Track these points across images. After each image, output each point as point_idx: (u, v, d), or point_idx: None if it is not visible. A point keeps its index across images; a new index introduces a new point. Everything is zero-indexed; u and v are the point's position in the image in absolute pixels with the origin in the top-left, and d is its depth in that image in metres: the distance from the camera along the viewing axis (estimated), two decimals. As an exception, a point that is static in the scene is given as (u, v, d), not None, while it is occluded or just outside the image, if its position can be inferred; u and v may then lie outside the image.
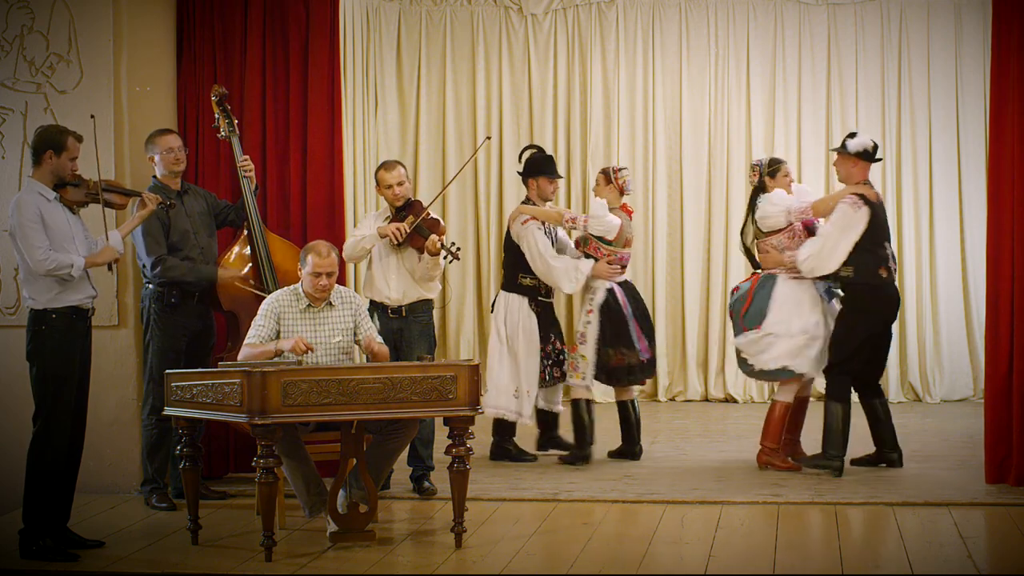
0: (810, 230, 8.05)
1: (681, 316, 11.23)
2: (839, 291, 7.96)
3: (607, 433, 8.58)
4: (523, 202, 8.47)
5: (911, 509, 6.97)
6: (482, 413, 6.32)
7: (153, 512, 7.21)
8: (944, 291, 11.00)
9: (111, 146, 7.49)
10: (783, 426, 7.98)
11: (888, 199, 10.98)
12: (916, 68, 10.99)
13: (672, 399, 11.20)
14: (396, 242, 7.43)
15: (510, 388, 8.26)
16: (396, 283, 7.52)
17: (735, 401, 11.02)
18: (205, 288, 7.39)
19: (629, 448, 8.37)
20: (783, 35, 11.11)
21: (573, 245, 8.41)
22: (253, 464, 6.20)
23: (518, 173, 8.54)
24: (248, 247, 7.58)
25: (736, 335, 8.11)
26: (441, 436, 6.69)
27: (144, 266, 7.32)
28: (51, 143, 6.31)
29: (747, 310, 7.98)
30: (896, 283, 8.01)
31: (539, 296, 8.37)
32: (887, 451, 8.01)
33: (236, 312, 7.49)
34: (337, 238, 7.74)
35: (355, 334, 6.84)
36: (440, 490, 7.38)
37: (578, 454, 8.25)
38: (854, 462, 7.98)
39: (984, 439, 7.49)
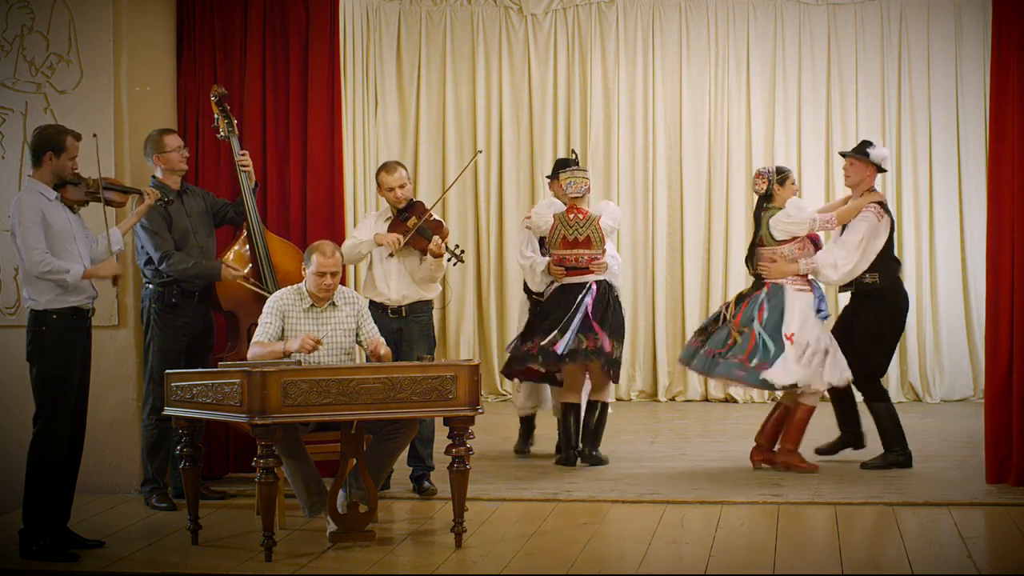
0: (815, 242, 8.07)
1: (681, 316, 11.23)
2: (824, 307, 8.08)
3: (611, 433, 8.57)
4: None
5: (911, 509, 6.97)
6: (482, 413, 6.31)
7: (153, 512, 7.21)
8: (944, 291, 11.00)
9: (111, 146, 7.49)
10: (805, 429, 7.98)
11: (888, 199, 10.96)
12: (916, 68, 10.99)
13: (672, 399, 11.20)
14: (390, 254, 7.43)
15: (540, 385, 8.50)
16: (396, 284, 7.52)
17: (735, 401, 11.02)
18: (205, 288, 7.39)
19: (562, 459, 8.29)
20: (783, 35, 11.11)
21: None
22: (253, 464, 6.20)
23: (547, 176, 8.66)
24: (248, 247, 7.58)
25: (727, 338, 7.96)
26: (441, 436, 6.69)
27: (146, 263, 7.31)
28: (50, 144, 6.31)
29: (763, 318, 7.93)
30: None
31: (533, 295, 8.42)
32: (894, 453, 8.07)
33: (236, 312, 7.49)
34: (337, 238, 7.73)
35: (357, 334, 6.84)
36: (440, 490, 7.38)
37: (563, 459, 8.27)
38: (865, 465, 8.02)
39: (984, 439, 7.49)
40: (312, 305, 6.75)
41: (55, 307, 6.26)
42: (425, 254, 7.46)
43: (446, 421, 6.33)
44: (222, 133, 7.64)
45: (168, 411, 6.53)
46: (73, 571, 6.10)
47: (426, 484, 7.51)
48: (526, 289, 8.55)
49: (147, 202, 6.80)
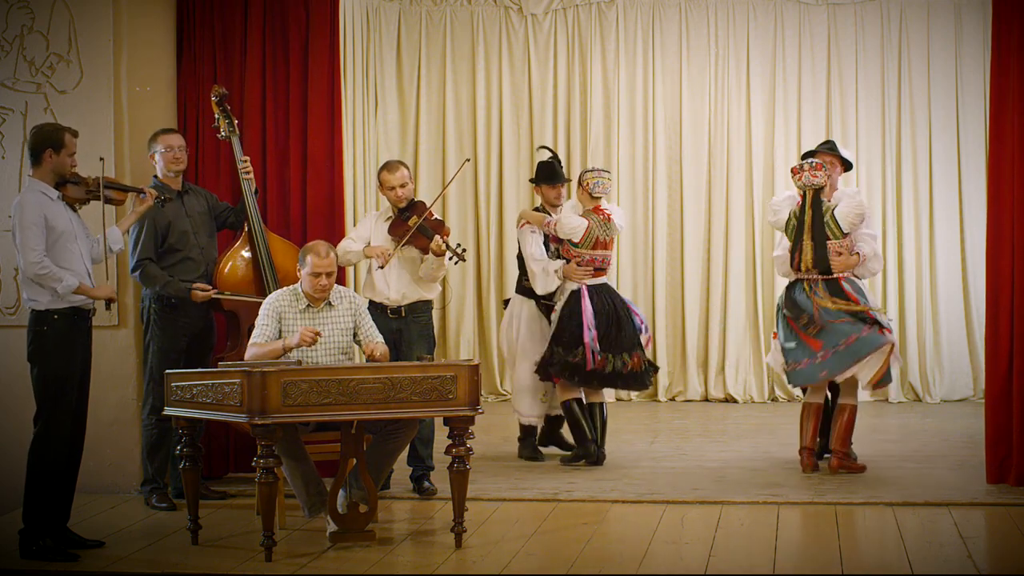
0: None
1: (681, 316, 11.23)
2: None
3: (611, 433, 8.57)
4: (535, 208, 8.61)
5: (911, 509, 6.97)
6: (482, 413, 6.31)
7: (153, 512, 7.21)
8: (944, 291, 11.00)
9: (111, 146, 7.50)
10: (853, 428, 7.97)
11: (888, 199, 11.00)
12: (916, 68, 10.99)
13: (672, 399, 11.20)
14: (379, 266, 7.43)
15: (533, 391, 8.41)
16: (396, 284, 7.52)
17: (735, 401, 11.02)
18: (195, 301, 7.39)
19: (582, 450, 8.27)
20: (783, 35, 11.11)
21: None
22: (253, 464, 6.20)
23: (530, 180, 8.60)
24: (248, 247, 7.58)
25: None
26: (441, 436, 6.68)
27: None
28: (49, 141, 6.31)
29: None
30: None
31: (541, 298, 8.40)
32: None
33: (236, 312, 7.49)
34: (337, 238, 7.73)
35: (355, 334, 6.84)
36: (440, 490, 7.38)
37: (580, 452, 8.24)
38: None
39: (984, 439, 7.49)
40: (308, 306, 6.75)
41: (56, 307, 6.26)
42: (426, 253, 7.45)
43: (446, 421, 6.33)
44: (223, 133, 7.64)
45: (168, 411, 6.53)
46: (73, 571, 6.10)
47: (426, 484, 7.51)
48: (533, 295, 8.44)
49: (147, 202, 6.80)
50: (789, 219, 7.91)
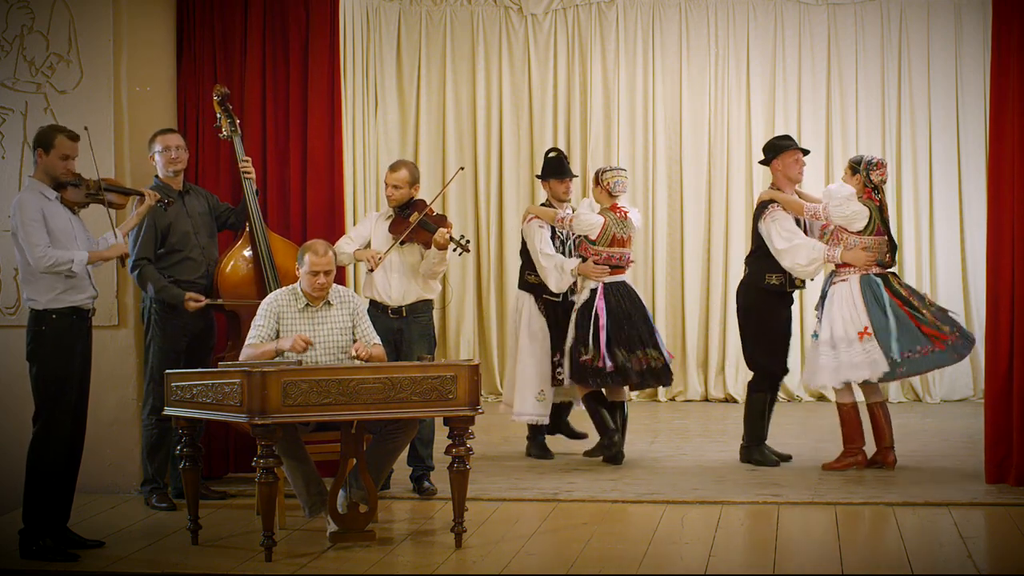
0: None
1: (681, 316, 11.23)
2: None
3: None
4: (542, 203, 8.60)
5: (911, 509, 6.97)
6: (482, 413, 6.31)
7: (153, 512, 7.21)
8: (944, 291, 10.99)
9: (111, 146, 7.50)
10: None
11: (888, 199, 10.95)
12: (916, 68, 10.99)
13: (672, 399, 11.20)
14: (369, 269, 7.44)
15: (534, 390, 8.40)
16: (397, 283, 7.52)
17: (735, 401, 11.01)
18: (205, 288, 7.39)
19: (606, 440, 8.27)
20: (783, 35, 11.11)
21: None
22: (253, 464, 6.20)
23: (537, 176, 8.57)
24: (249, 247, 7.58)
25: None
26: (441, 436, 6.68)
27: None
28: (40, 142, 6.31)
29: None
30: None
31: (544, 294, 8.39)
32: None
33: (236, 312, 7.49)
34: (337, 238, 7.72)
35: (353, 334, 6.84)
36: (440, 490, 7.38)
37: (604, 443, 8.25)
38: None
39: (984, 439, 7.49)
40: (307, 305, 6.75)
41: (55, 307, 6.25)
42: (428, 247, 7.45)
43: (446, 421, 6.33)
44: (224, 133, 7.64)
45: (168, 411, 6.53)
46: (73, 571, 6.09)
47: (426, 484, 7.51)
48: (536, 292, 8.46)
49: (147, 204, 6.80)
50: (872, 214, 7.94)
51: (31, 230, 6.20)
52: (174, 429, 6.69)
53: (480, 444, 7.27)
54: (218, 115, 7.64)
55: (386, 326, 7.38)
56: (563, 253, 8.37)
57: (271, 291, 7.17)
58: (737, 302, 8.38)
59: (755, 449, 8.16)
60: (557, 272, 8.28)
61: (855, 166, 8.01)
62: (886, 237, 7.98)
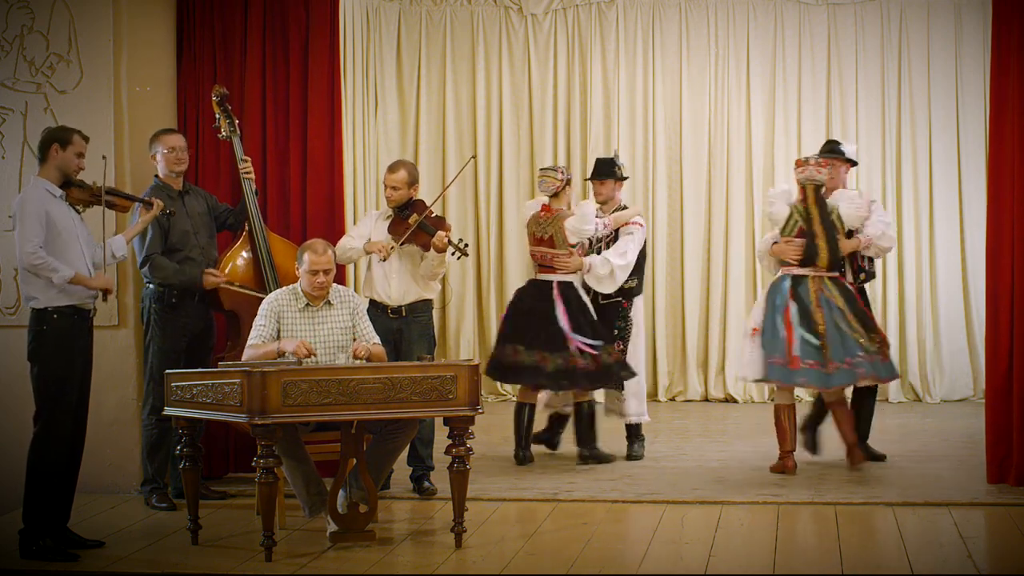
0: None
1: (681, 316, 11.23)
2: None
3: (611, 433, 8.58)
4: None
5: (911, 509, 6.97)
6: (482, 413, 6.30)
7: (153, 512, 7.21)
8: (944, 291, 11.00)
9: (111, 146, 7.49)
10: None
11: (888, 199, 10.99)
12: (916, 68, 10.99)
13: (672, 399, 11.20)
14: (381, 259, 7.43)
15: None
16: (397, 283, 7.51)
17: (735, 401, 11.02)
18: (205, 287, 7.39)
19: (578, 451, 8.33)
20: (783, 35, 11.11)
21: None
22: (253, 464, 6.20)
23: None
24: (249, 247, 7.58)
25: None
26: (441, 436, 6.68)
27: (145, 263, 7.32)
28: (56, 137, 6.32)
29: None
30: None
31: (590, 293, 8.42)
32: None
33: (236, 312, 7.49)
34: (337, 238, 7.72)
35: (353, 334, 6.84)
36: (440, 490, 7.38)
37: (590, 453, 8.27)
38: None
39: (984, 439, 7.50)
40: (307, 304, 6.75)
41: (56, 305, 6.25)
42: (427, 250, 7.45)
43: (446, 421, 6.33)
44: (224, 133, 7.64)
45: (168, 411, 6.53)
46: (73, 571, 6.10)
47: (426, 484, 7.51)
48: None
49: (152, 212, 6.80)
50: (791, 214, 7.92)
51: (28, 224, 6.19)
52: (174, 429, 6.69)
53: (480, 444, 7.27)
54: (217, 115, 7.64)
55: (386, 326, 7.38)
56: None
57: (271, 291, 7.17)
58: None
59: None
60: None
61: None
62: (804, 240, 7.90)
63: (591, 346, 8.08)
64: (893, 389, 10.87)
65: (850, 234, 8.01)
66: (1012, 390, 7.31)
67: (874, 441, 8.29)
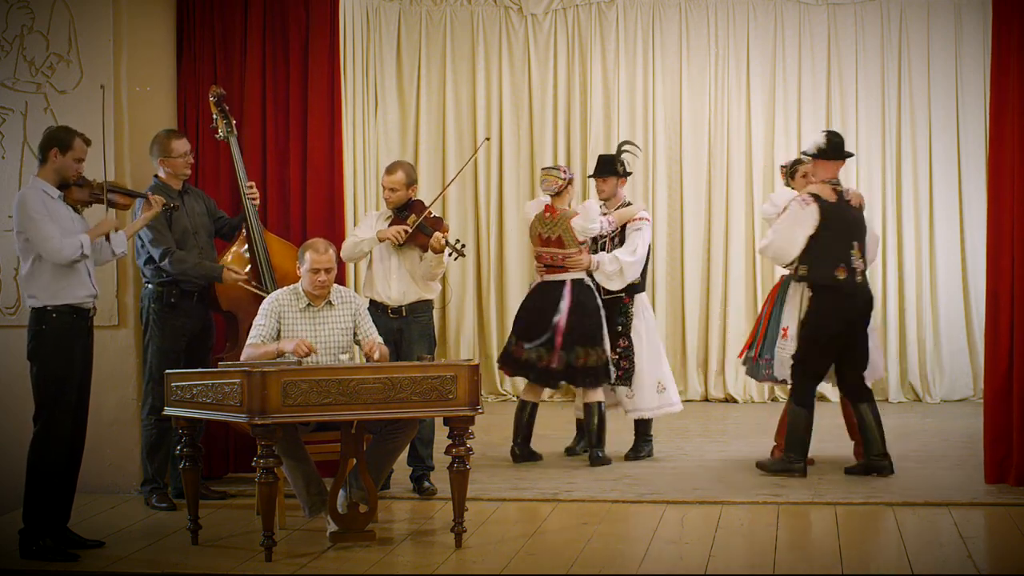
0: None
1: (681, 316, 11.23)
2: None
3: (612, 433, 8.56)
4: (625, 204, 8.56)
5: (911, 509, 6.97)
6: (482, 413, 6.31)
7: (153, 512, 7.21)
8: (944, 291, 11.00)
9: (111, 146, 7.49)
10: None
11: (888, 199, 11.00)
12: (916, 68, 10.99)
13: (672, 399, 11.19)
14: (398, 243, 7.43)
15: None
16: (397, 283, 7.52)
17: (735, 401, 11.02)
18: (204, 288, 7.39)
19: (589, 451, 8.33)
20: (783, 35, 11.11)
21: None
22: (253, 464, 6.20)
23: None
24: (247, 247, 7.57)
25: None
26: (441, 436, 6.68)
27: (146, 263, 7.30)
28: (57, 141, 6.31)
29: None
30: (862, 282, 7.81)
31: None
32: (875, 458, 7.81)
33: (235, 312, 7.49)
34: (337, 238, 7.74)
35: (355, 334, 6.84)
36: (440, 490, 7.38)
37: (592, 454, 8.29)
38: (848, 471, 7.89)
39: (984, 439, 7.49)
40: (308, 304, 6.75)
41: (55, 303, 6.24)
42: (425, 251, 7.45)
43: (446, 421, 6.33)
44: (221, 133, 7.64)
45: (168, 411, 6.53)
46: (73, 571, 6.10)
47: (426, 484, 7.51)
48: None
49: (154, 209, 6.80)
50: None
51: (41, 224, 6.17)
52: (174, 429, 6.69)
53: (480, 444, 7.27)
54: (214, 116, 7.64)
55: (386, 326, 7.38)
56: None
57: (269, 292, 7.17)
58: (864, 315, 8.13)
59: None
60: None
61: (785, 168, 8.27)
62: None
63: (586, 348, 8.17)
64: (893, 389, 10.88)
65: None
66: (1012, 390, 7.31)
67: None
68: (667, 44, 11.22)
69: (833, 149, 7.83)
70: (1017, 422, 7.28)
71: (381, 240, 7.48)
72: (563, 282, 8.27)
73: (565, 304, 8.21)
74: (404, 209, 7.54)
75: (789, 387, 7.96)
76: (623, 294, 8.38)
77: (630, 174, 8.63)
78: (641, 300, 8.50)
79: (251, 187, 7.56)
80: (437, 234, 7.40)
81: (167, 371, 6.65)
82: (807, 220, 7.70)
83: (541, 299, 8.34)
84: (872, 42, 11.02)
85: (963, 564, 5.95)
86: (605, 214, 8.30)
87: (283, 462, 6.40)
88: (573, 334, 8.17)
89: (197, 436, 6.63)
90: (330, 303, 6.79)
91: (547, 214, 8.30)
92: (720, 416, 10.39)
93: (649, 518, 6.87)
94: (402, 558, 6.23)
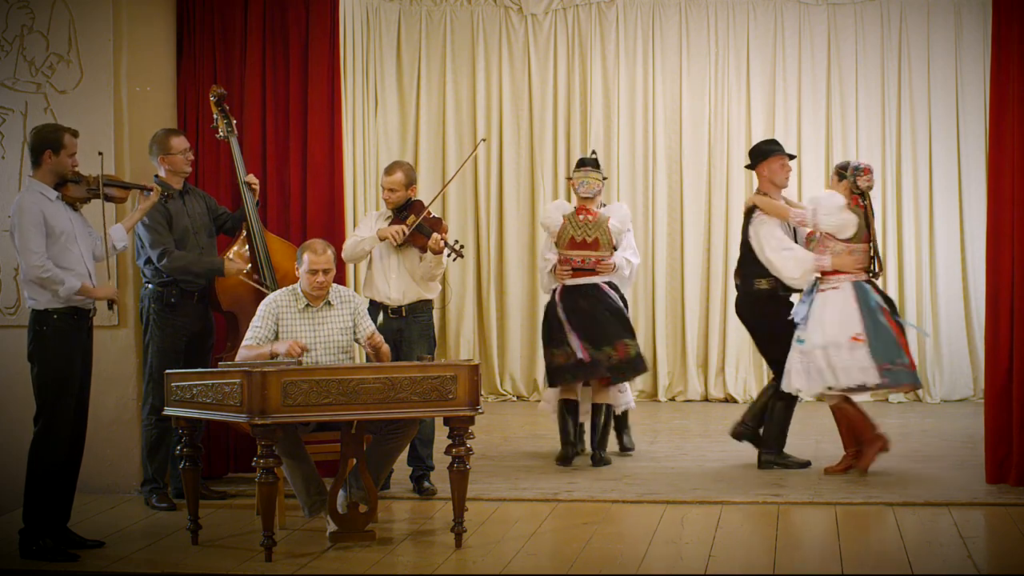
0: None
1: (681, 316, 11.23)
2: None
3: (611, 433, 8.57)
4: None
5: (911, 509, 6.97)
6: (482, 413, 6.31)
7: (153, 512, 7.21)
8: (944, 291, 11.00)
9: (111, 146, 7.50)
10: None
11: (888, 199, 11.00)
12: (916, 68, 10.99)
13: (672, 399, 11.20)
14: (396, 243, 7.44)
15: None
16: (396, 283, 7.52)
17: (735, 401, 11.01)
18: (204, 288, 7.39)
19: (592, 452, 8.33)
20: (783, 35, 11.11)
21: None
22: (253, 464, 6.20)
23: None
24: (247, 247, 7.57)
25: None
26: (441, 436, 6.69)
27: (146, 263, 7.31)
28: (49, 142, 6.30)
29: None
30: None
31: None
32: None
33: (235, 312, 7.49)
34: (337, 238, 7.74)
35: (355, 333, 6.84)
36: (440, 490, 7.38)
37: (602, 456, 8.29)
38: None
39: (984, 439, 7.50)
40: (307, 305, 6.75)
41: (55, 307, 6.25)
42: (425, 251, 7.45)
43: (446, 421, 6.33)
44: (221, 133, 7.64)
45: (168, 411, 6.53)
46: (73, 571, 6.09)
47: (426, 484, 7.51)
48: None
49: (150, 199, 6.79)
50: (859, 221, 7.88)
51: (29, 235, 6.18)
52: (174, 429, 6.70)
53: (480, 444, 7.28)
54: (215, 115, 7.64)
55: (386, 326, 7.38)
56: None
57: (269, 292, 7.17)
58: (741, 317, 8.31)
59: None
60: (541, 275, 8.46)
61: (842, 172, 7.98)
62: (870, 244, 7.93)
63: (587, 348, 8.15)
64: (893, 389, 10.89)
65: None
66: (1012, 390, 7.31)
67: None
68: (667, 44, 11.21)
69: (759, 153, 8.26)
70: (1017, 422, 7.28)
71: (381, 239, 7.48)
72: (596, 285, 8.26)
73: (613, 303, 8.24)
74: (403, 209, 7.54)
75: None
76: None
77: (606, 178, 8.65)
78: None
79: (252, 176, 7.53)
80: (436, 235, 7.40)
81: (167, 371, 6.65)
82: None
83: (584, 302, 8.22)
84: (872, 42, 11.02)
85: (963, 564, 5.95)
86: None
87: (283, 462, 6.40)
88: (618, 329, 8.20)
89: (197, 436, 6.64)
90: (329, 303, 6.79)
91: (582, 216, 8.26)
92: (720, 416, 10.37)
93: (649, 518, 6.87)
94: (402, 558, 6.23)
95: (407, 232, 7.41)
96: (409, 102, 11.37)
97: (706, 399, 11.17)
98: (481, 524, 6.75)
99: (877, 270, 7.95)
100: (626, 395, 8.48)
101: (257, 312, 6.77)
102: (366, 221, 7.81)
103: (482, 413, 6.31)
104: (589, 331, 8.16)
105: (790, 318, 7.98)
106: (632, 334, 8.30)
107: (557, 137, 11.31)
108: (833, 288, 7.86)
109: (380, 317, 7.46)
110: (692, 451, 8.80)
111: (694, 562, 6.03)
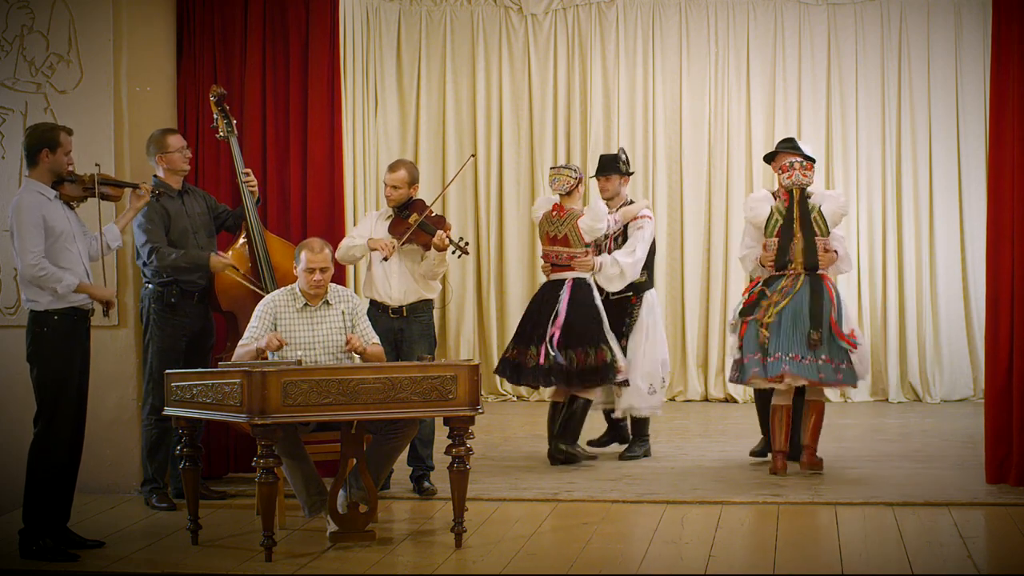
0: None
1: (681, 316, 11.23)
2: None
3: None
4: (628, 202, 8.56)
5: (911, 509, 6.97)
6: (482, 413, 6.31)
7: (153, 512, 7.21)
8: (944, 291, 11.00)
9: (111, 146, 7.50)
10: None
11: (888, 199, 11.00)
12: (916, 68, 10.99)
13: (672, 399, 11.18)
14: (384, 258, 7.41)
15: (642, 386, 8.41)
16: (397, 283, 7.51)
17: (735, 401, 11.02)
18: (204, 288, 7.39)
19: (550, 444, 8.31)
20: (783, 35, 11.11)
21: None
22: (253, 464, 6.20)
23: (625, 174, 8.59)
24: (247, 247, 7.57)
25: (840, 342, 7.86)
26: (441, 436, 6.69)
27: (145, 264, 7.30)
28: (45, 141, 6.31)
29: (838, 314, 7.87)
30: None
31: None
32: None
33: (235, 312, 7.49)
34: (337, 238, 7.73)
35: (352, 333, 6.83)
36: (440, 490, 7.38)
37: (566, 450, 8.27)
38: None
39: (984, 439, 7.49)
40: (306, 304, 6.75)
41: (55, 307, 6.25)
42: (428, 249, 7.45)
43: (446, 421, 6.33)
44: (221, 133, 7.64)
45: (168, 411, 6.53)
46: (73, 571, 6.09)
47: (426, 484, 7.51)
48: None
49: (144, 198, 6.78)
50: (772, 216, 7.94)
51: (28, 235, 6.18)
52: (174, 429, 6.69)
53: (480, 444, 7.28)
54: (215, 115, 7.64)
55: (386, 326, 7.38)
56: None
57: (269, 291, 7.17)
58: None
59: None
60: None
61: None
62: (780, 239, 7.90)
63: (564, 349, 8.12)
64: (893, 389, 10.88)
65: None
66: (1012, 390, 7.31)
67: (873, 441, 8.29)
68: (667, 44, 11.21)
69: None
70: (1017, 422, 7.28)
71: (372, 249, 7.46)
72: (563, 281, 8.25)
73: (564, 302, 8.18)
74: (405, 208, 7.54)
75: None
76: (630, 293, 8.37)
77: (632, 172, 8.63)
78: (649, 298, 8.48)
79: (247, 174, 7.52)
80: (440, 232, 7.40)
81: (167, 371, 6.65)
82: None
83: (541, 298, 8.34)
84: (872, 42, 11.02)
85: (963, 564, 5.95)
86: (609, 213, 8.31)
87: (283, 462, 6.40)
88: (571, 334, 8.12)
89: (197, 436, 6.64)
90: (327, 303, 6.79)
91: (555, 213, 8.29)
92: (720, 416, 10.39)
93: (649, 518, 6.87)
94: (402, 558, 6.23)
95: (397, 246, 7.39)
96: (409, 102, 11.37)
97: (706, 399, 11.17)
98: (481, 524, 6.75)
99: (794, 267, 7.92)
100: (646, 398, 8.37)
101: (254, 313, 6.77)
102: (365, 221, 7.81)
103: (482, 413, 6.31)
104: (563, 330, 8.14)
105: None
106: (599, 340, 8.14)
107: (557, 137, 11.31)
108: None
109: (379, 318, 7.45)
110: (692, 451, 8.80)
111: (694, 562, 6.03)
